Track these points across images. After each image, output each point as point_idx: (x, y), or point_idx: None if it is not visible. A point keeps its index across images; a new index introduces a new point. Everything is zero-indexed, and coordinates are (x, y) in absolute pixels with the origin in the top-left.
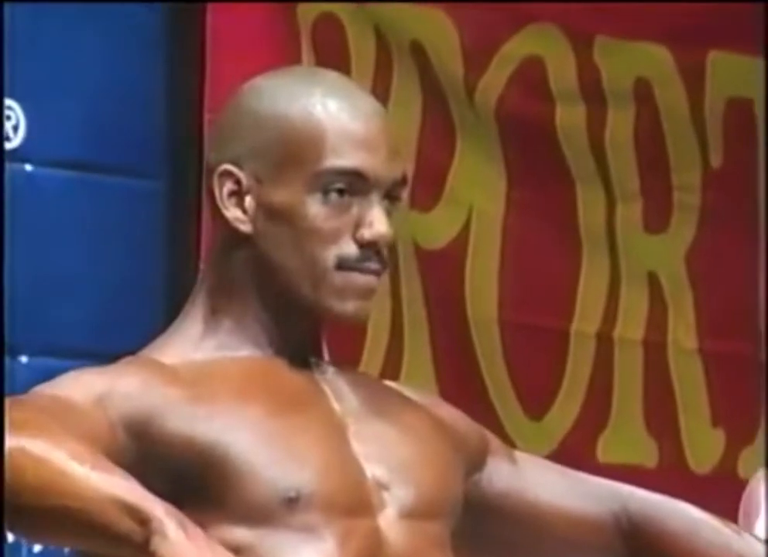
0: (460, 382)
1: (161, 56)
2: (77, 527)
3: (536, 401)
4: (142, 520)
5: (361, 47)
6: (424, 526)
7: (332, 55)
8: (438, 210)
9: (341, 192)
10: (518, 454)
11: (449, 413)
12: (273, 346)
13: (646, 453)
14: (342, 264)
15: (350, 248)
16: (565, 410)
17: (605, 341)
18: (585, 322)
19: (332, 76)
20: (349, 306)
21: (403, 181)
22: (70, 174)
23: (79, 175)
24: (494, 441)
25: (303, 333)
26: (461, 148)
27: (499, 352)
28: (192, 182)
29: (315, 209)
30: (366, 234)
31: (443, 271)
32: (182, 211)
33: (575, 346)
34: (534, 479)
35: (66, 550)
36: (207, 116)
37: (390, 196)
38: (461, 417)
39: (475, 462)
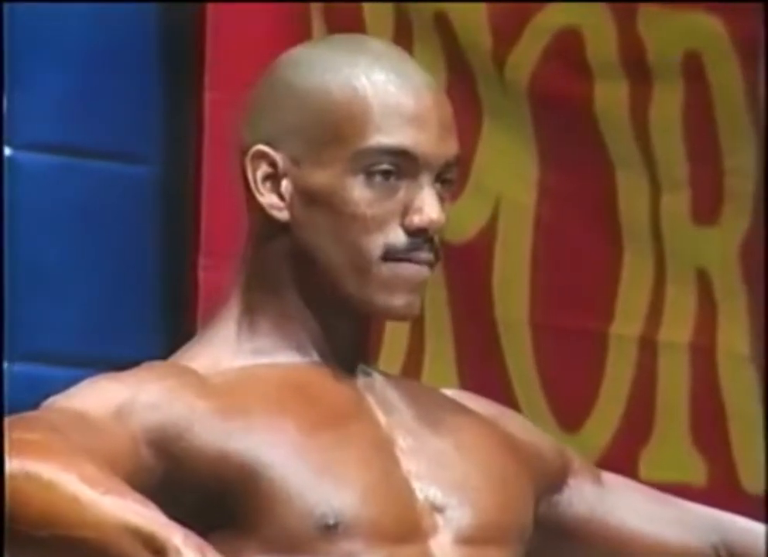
0: (486, 389)
1: (157, 31)
2: None
3: (572, 411)
4: (158, 549)
5: (379, 21)
6: (485, 553)
7: (346, 29)
8: (463, 200)
9: (387, 173)
10: (606, 475)
11: (522, 427)
12: (316, 351)
13: (693, 470)
14: (389, 255)
15: (398, 236)
16: (603, 422)
17: (647, 345)
18: (626, 324)
19: (378, 44)
20: (398, 300)
21: (457, 162)
22: (57, 159)
23: (67, 159)
24: (577, 460)
25: (349, 335)
26: (489, 130)
27: (530, 357)
28: (189, 167)
29: (358, 193)
30: (416, 220)
31: (468, 266)
32: (178, 200)
33: (615, 351)
34: (622, 503)
35: None
36: (208, 95)
37: (442, 179)
38: (536, 433)
39: (552, 482)
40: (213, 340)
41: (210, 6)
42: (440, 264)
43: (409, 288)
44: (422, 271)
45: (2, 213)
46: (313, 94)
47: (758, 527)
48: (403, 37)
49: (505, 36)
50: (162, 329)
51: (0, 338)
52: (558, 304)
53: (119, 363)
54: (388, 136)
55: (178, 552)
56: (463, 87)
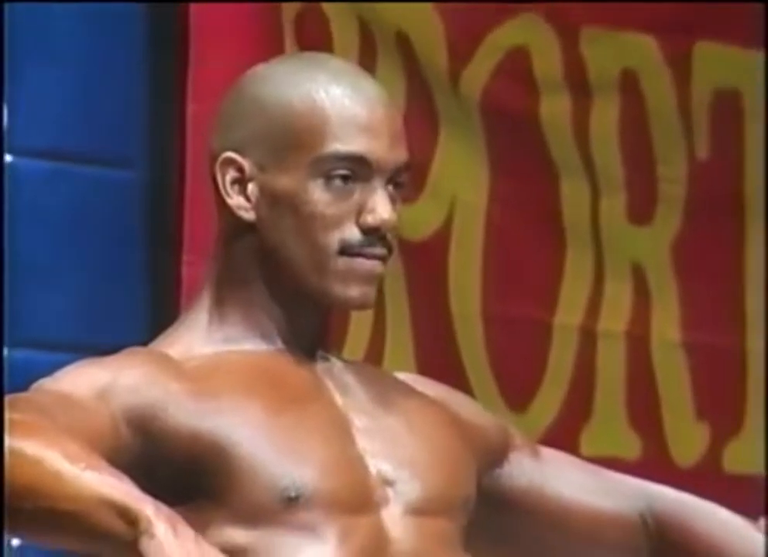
0: (442, 375)
1: (143, 45)
2: (69, 528)
3: (519, 393)
4: (132, 520)
5: (345, 39)
6: (431, 523)
7: (316, 48)
8: (421, 202)
9: (344, 178)
10: (544, 450)
11: (468, 407)
12: (280, 338)
13: (629, 446)
14: (345, 250)
15: (353, 234)
16: (548, 402)
17: (588, 334)
18: (568, 314)
19: (337, 62)
20: (354, 292)
21: (407, 167)
22: (50, 164)
23: (59, 165)
24: (518, 437)
25: (310, 324)
26: (445, 140)
27: (482, 345)
28: (174, 172)
29: (317, 195)
30: (369, 219)
31: (426, 263)
32: (163, 201)
33: (558, 339)
34: (558, 475)
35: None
36: (190, 107)
37: (394, 182)
38: (480, 412)
39: (495, 457)
40: (187, 329)
41: (192, 28)
42: (400, 261)
43: (363, 280)
44: (375, 265)
45: (2, 214)
46: (277, 107)
47: (685, 496)
48: (368, 54)
49: (460, 54)
50: (147, 318)
51: (0, 327)
52: (507, 296)
53: (107, 348)
54: (344, 144)
55: (149, 523)
56: (421, 100)
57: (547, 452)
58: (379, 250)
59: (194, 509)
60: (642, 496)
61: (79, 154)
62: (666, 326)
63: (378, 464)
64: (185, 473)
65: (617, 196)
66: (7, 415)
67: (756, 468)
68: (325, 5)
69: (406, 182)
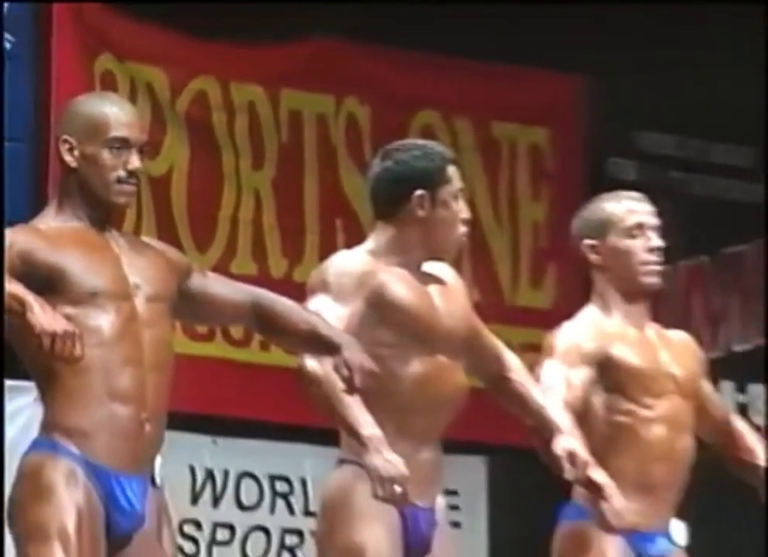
0: (160, 236)
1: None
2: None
3: (199, 240)
4: (21, 302)
5: (129, 95)
6: (156, 305)
7: (110, 89)
8: (160, 158)
9: (118, 148)
10: (210, 275)
11: (174, 254)
12: (88, 220)
13: (276, 267)
14: (120, 180)
15: (122, 173)
16: (223, 246)
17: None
18: None
19: (115, 96)
20: (122, 199)
21: (146, 144)
22: None
23: None
24: (195, 267)
25: (104, 213)
26: (170, 135)
27: (183, 212)
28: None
29: (105, 155)
30: (129, 166)
31: (158, 191)
32: (40, 163)
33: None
34: (213, 284)
35: None
36: (54, 111)
37: (140, 150)
38: (178, 254)
39: (183, 276)
40: (44, 216)
41: (55, 64)
42: (147, 186)
43: (127, 194)
44: (132, 188)
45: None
46: (88, 114)
47: (278, 296)
48: (131, 97)
49: (176, 91)
50: (30, 205)
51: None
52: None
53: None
54: (117, 132)
55: (29, 303)
56: (156, 118)
57: (211, 274)
58: (134, 180)
59: (48, 298)
60: (253, 294)
61: None
62: None
63: (133, 279)
64: (43, 281)
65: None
66: None
67: None
68: (116, 71)
69: (146, 150)
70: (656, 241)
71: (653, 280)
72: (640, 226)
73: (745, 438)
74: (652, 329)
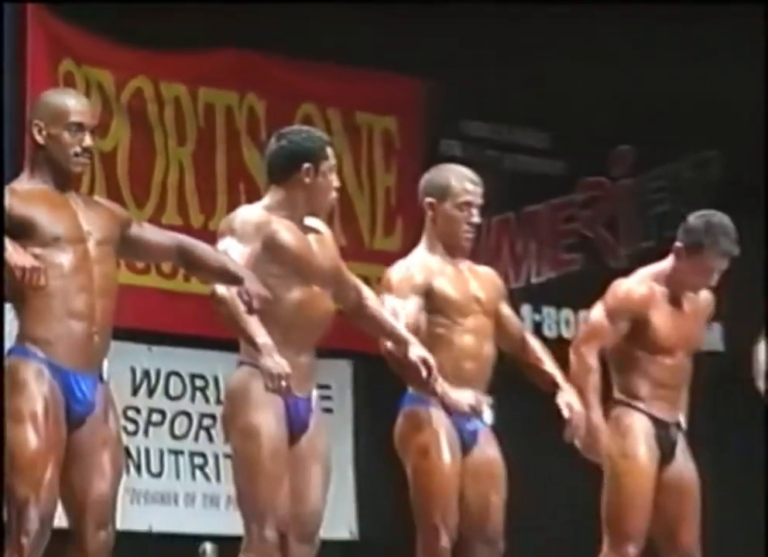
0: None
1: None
2: None
3: (138, 196)
4: (7, 252)
5: (84, 91)
6: (104, 247)
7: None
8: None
9: (77, 130)
10: (145, 225)
11: (117, 208)
12: (53, 184)
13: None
14: (77, 154)
15: (78, 149)
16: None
17: None
18: None
19: (75, 92)
20: (77, 168)
21: (98, 127)
22: None
23: None
24: (134, 221)
25: (66, 179)
26: (116, 121)
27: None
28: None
29: (66, 135)
30: (83, 143)
31: (107, 166)
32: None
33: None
34: (149, 232)
35: None
36: (29, 101)
37: (92, 131)
38: (123, 212)
39: (125, 225)
40: (20, 180)
41: (30, 64)
42: (99, 161)
43: (82, 165)
44: (87, 161)
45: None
46: (53, 104)
47: (198, 242)
48: (87, 92)
49: (119, 85)
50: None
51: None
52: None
53: None
54: (76, 117)
55: (9, 251)
56: (105, 109)
57: (146, 225)
58: (89, 154)
59: (21, 241)
60: (179, 239)
61: None
62: None
63: (88, 229)
64: (18, 228)
65: None
66: None
67: None
68: (75, 73)
69: (97, 131)
70: (476, 219)
71: (467, 244)
72: (468, 204)
73: (536, 349)
74: (465, 265)
